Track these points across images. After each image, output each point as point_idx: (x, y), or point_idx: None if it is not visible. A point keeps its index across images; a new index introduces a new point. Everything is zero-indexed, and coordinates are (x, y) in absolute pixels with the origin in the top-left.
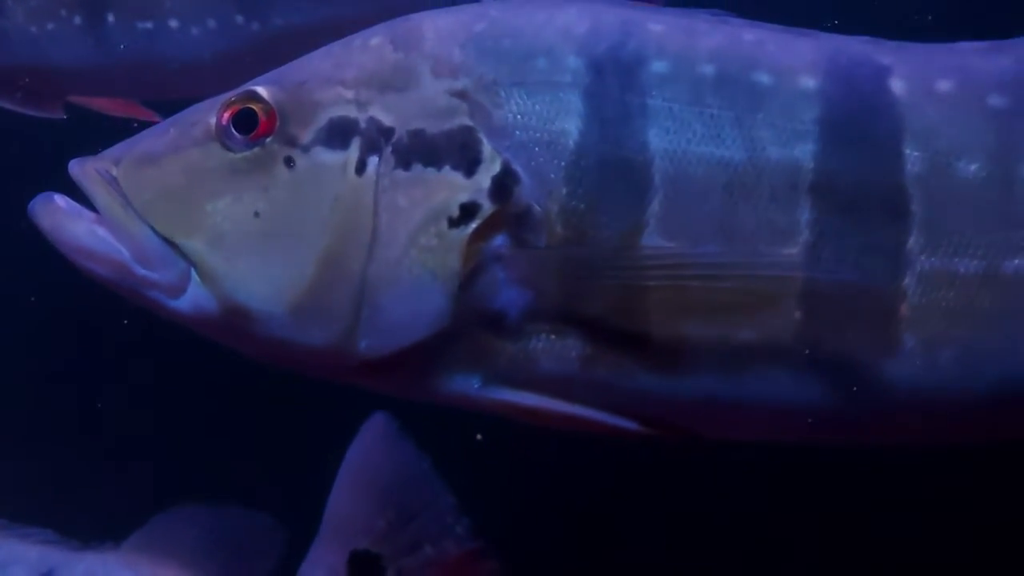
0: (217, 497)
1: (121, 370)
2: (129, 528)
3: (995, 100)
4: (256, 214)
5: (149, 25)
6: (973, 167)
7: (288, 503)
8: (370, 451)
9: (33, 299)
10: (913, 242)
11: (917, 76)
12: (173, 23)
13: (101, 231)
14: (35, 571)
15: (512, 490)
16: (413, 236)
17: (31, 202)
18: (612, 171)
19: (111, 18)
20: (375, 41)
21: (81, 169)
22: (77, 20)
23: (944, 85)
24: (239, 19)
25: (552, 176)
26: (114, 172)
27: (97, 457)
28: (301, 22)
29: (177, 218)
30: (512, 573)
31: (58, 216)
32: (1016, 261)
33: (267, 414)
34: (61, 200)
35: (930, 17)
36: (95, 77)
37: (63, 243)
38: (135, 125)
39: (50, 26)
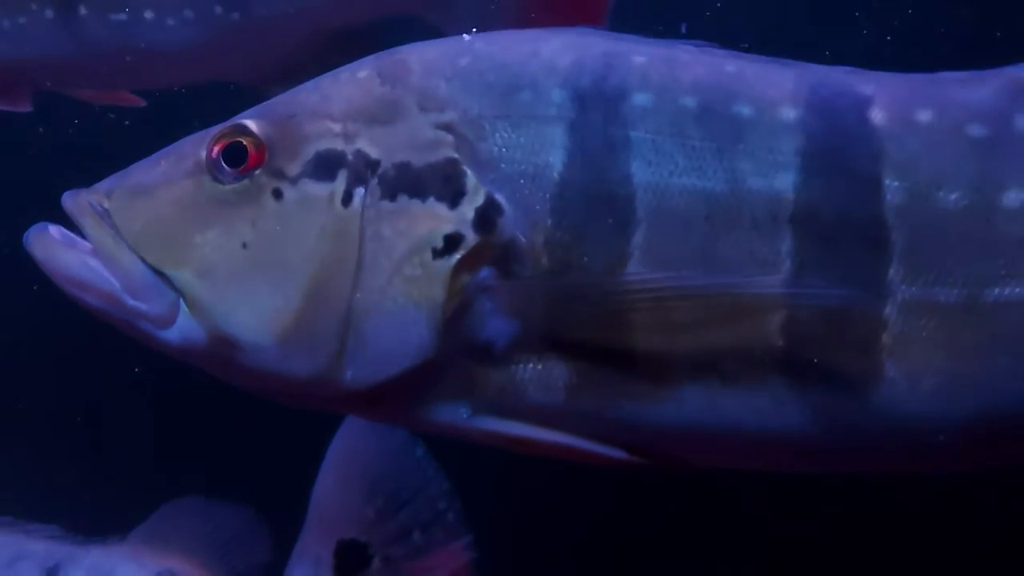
0: (209, 493)
1: (114, 371)
2: (128, 523)
3: (975, 130)
4: (244, 245)
5: (123, 16)
6: (953, 196)
7: (281, 497)
8: (356, 441)
9: (33, 296)
10: (894, 271)
11: (897, 106)
12: (148, 14)
13: (93, 262)
14: (42, 566)
15: (507, 490)
16: (397, 266)
17: (26, 232)
18: (596, 203)
19: (83, 11)
20: (363, 74)
21: (74, 202)
22: (49, 13)
23: (924, 115)
24: (217, 9)
25: (537, 208)
26: (106, 204)
27: (95, 455)
28: (284, 11)
29: (166, 249)
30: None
31: (51, 247)
32: (997, 290)
33: (255, 408)
34: (55, 231)
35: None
36: (69, 70)
37: (55, 273)
38: (126, 123)
39: (21, 20)
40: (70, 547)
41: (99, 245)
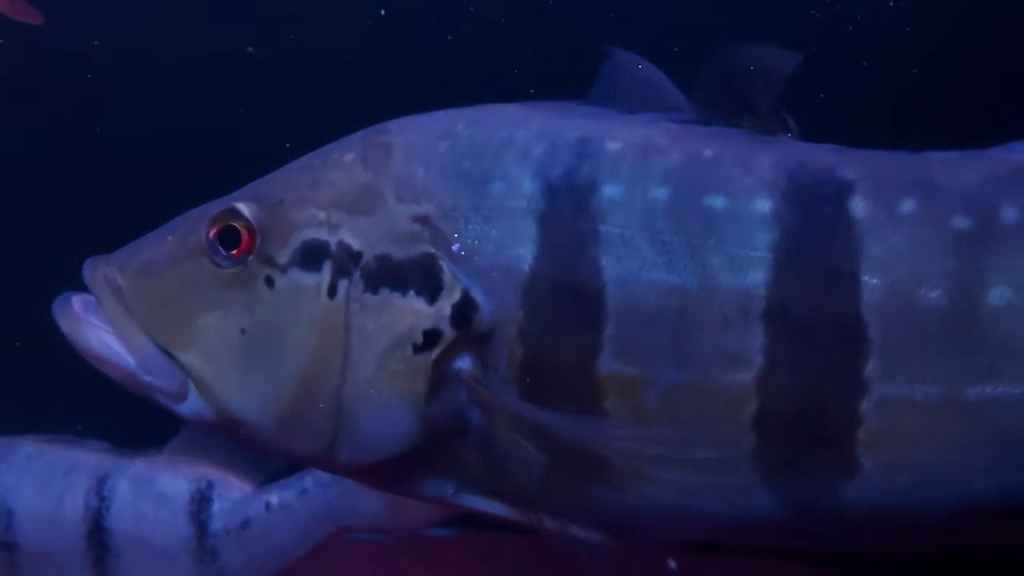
0: None
1: None
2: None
3: (959, 222)
4: (242, 331)
5: None
6: (934, 294)
7: None
8: None
9: None
10: (871, 369)
11: (880, 195)
12: None
13: (112, 340)
14: (94, 475)
15: None
16: (381, 361)
17: (54, 302)
18: (566, 296)
19: None
20: (348, 157)
21: (92, 275)
22: None
23: (907, 205)
24: None
25: (509, 301)
26: (119, 281)
27: None
28: None
29: (173, 332)
30: None
31: (75, 324)
32: (977, 389)
33: None
34: (78, 304)
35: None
36: None
37: (80, 349)
38: None
39: None
40: (117, 459)
41: (115, 325)
